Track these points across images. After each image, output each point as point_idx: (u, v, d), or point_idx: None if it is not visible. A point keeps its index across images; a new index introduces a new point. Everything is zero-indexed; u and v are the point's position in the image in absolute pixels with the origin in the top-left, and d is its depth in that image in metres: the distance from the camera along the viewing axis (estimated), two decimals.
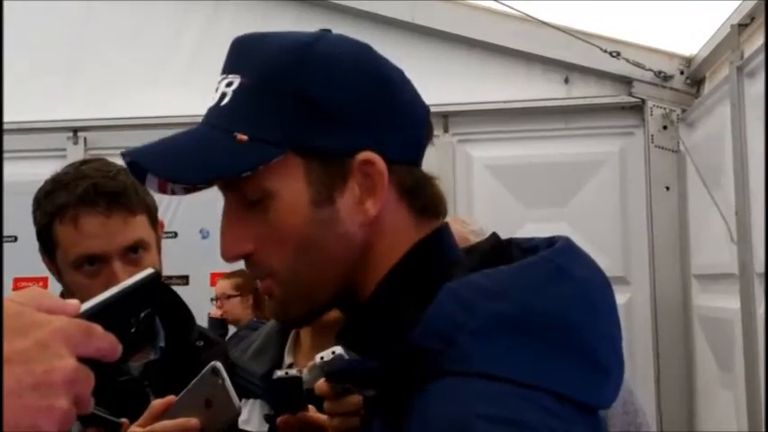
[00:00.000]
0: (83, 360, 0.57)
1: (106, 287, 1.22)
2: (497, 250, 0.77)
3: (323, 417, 1.05)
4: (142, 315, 0.66)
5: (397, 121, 0.75)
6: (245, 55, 0.75)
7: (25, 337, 0.54)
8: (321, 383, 1.03)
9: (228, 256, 0.75)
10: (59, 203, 1.26)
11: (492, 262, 0.72)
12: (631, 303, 3.32)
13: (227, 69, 0.75)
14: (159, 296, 0.69)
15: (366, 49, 0.76)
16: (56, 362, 0.54)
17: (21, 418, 0.52)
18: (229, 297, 3.48)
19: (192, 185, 0.73)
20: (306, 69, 0.72)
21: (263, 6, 3.48)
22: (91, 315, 0.60)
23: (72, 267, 1.25)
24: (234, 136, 0.70)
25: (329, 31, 0.77)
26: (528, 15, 3.28)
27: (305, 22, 3.39)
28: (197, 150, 0.72)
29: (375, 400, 0.72)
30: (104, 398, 1.00)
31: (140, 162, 0.72)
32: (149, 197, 1.32)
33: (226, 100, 0.73)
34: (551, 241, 0.76)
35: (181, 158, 0.71)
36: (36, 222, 1.31)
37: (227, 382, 0.98)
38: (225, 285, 3.49)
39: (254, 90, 0.72)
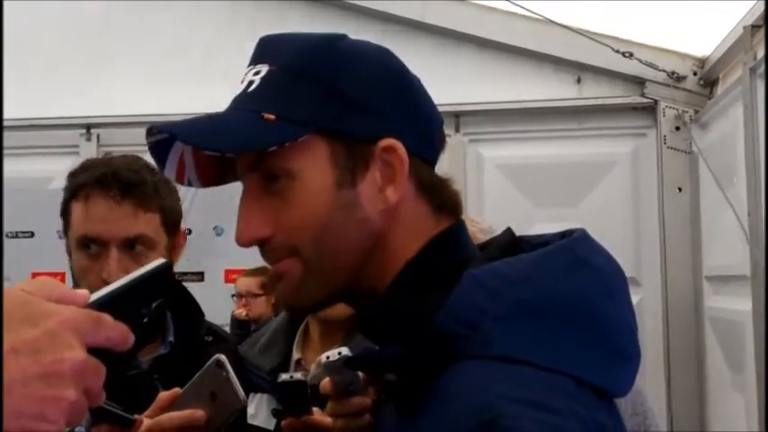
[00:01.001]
0: (94, 351, 0.57)
1: (99, 273, 1.23)
2: (514, 244, 0.79)
3: (328, 420, 1.05)
4: (154, 305, 0.66)
5: (415, 117, 0.77)
6: (274, 47, 0.77)
7: (34, 327, 0.53)
8: (326, 383, 1.04)
9: (245, 241, 0.75)
10: (79, 182, 1.28)
11: (509, 254, 0.73)
12: (643, 304, 3.31)
13: (254, 61, 0.77)
14: (171, 286, 0.69)
15: (387, 52, 0.79)
16: (65, 352, 0.54)
17: (25, 406, 0.52)
18: (256, 296, 3.46)
19: (220, 153, 0.73)
20: (333, 59, 0.74)
21: (278, 6, 3.50)
22: (101, 305, 0.60)
23: (76, 246, 1.27)
24: (261, 116, 0.72)
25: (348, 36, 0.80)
26: (540, 15, 3.27)
27: (318, 22, 3.40)
28: (226, 126, 0.73)
29: (394, 385, 0.73)
30: (114, 391, 1.01)
31: (168, 129, 0.73)
32: (171, 201, 1.33)
33: (253, 87, 0.75)
34: (564, 234, 0.77)
35: (210, 130, 0.72)
36: (63, 198, 1.34)
37: (232, 375, 0.98)
38: (250, 283, 3.45)
39: (283, 74, 0.74)
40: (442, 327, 0.68)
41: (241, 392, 0.99)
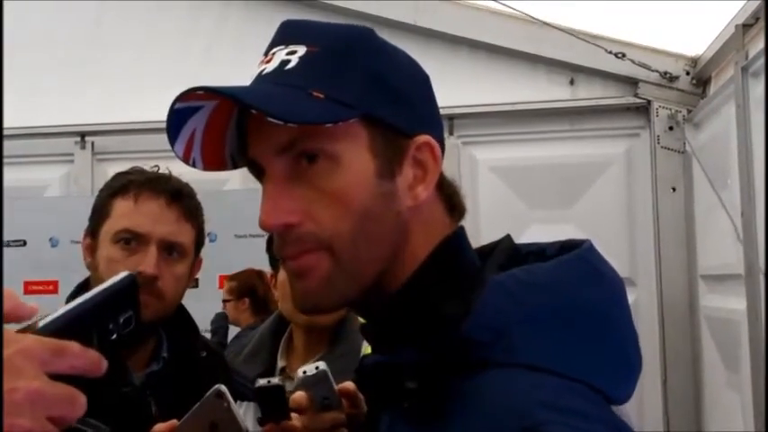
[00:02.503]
0: (69, 378, 0.57)
1: (134, 267, 1.24)
2: (516, 251, 0.79)
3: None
4: (122, 320, 0.64)
5: (437, 116, 0.78)
6: (305, 30, 0.75)
7: None
8: (298, 396, 1.03)
9: (271, 224, 0.70)
10: (128, 180, 1.31)
11: (516, 262, 0.74)
12: (638, 304, 3.31)
13: (285, 41, 0.74)
14: (138, 299, 0.67)
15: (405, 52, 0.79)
16: (18, 381, 0.55)
17: None
18: (224, 302, 3.51)
19: (283, 123, 0.67)
20: (377, 48, 0.74)
21: (270, 9, 3.49)
22: (58, 327, 0.59)
23: (112, 239, 1.28)
24: (310, 92, 0.69)
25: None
26: (532, 17, 3.28)
27: None
28: (280, 98, 0.69)
29: (413, 393, 0.70)
30: (106, 407, 1.00)
31: (226, 93, 0.68)
32: (202, 223, 1.36)
33: (291, 65, 0.71)
34: (564, 245, 0.76)
35: (271, 100, 0.68)
36: (98, 198, 1.36)
37: (233, 405, 0.97)
38: (223, 289, 3.53)
39: (326, 57, 0.71)
40: (470, 333, 0.67)
41: (243, 423, 0.98)
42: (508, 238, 0.81)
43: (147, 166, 1.38)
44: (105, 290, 0.64)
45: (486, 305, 0.68)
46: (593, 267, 0.72)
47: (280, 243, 0.72)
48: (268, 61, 0.73)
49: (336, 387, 1.04)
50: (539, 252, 0.77)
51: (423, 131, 0.73)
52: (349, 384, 1.05)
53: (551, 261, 0.72)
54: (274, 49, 0.74)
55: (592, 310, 0.70)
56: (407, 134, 0.73)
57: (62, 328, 0.59)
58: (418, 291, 0.72)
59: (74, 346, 0.58)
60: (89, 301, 0.62)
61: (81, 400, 0.58)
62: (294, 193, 0.70)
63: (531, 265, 0.71)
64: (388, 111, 0.71)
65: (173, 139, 0.73)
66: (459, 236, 0.76)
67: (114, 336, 0.63)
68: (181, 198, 1.31)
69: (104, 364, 0.60)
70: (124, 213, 1.29)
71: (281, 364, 1.60)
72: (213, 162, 0.77)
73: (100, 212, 1.32)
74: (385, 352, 0.75)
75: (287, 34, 0.75)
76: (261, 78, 0.72)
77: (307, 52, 0.72)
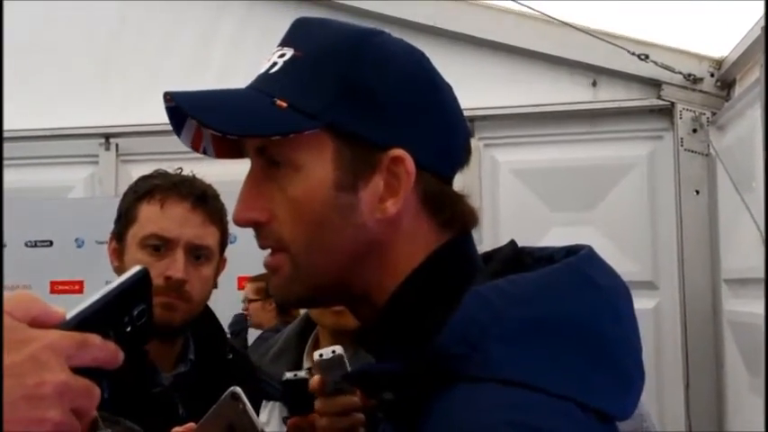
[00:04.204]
0: (85, 372, 0.59)
1: (163, 272, 1.26)
2: (517, 258, 0.77)
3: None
4: (135, 313, 0.66)
5: (436, 129, 0.74)
6: (304, 32, 0.75)
7: (18, 352, 0.56)
8: (315, 380, 1.04)
9: (240, 221, 0.75)
10: (153, 184, 1.34)
11: (513, 269, 0.72)
12: (660, 308, 3.28)
13: (283, 43, 0.75)
14: (150, 292, 0.68)
15: (420, 55, 0.77)
16: (46, 375, 0.56)
17: (12, 428, 0.55)
18: (251, 301, 3.51)
19: (222, 135, 0.71)
20: (359, 56, 0.72)
21: (294, 8, 3.51)
22: (79, 322, 0.61)
23: (139, 244, 1.30)
24: (273, 101, 0.71)
25: (388, 33, 0.78)
26: (554, 18, 3.26)
27: None
28: (236, 106, 0.72)
29: (391, 404, 0.71)
30: (136, 407, 1.02)
31: (179, 102, 0.72)
32: (226, 225, 1.37)
33: (275, 69, 0.73)
34: (570, 250, 0.75)
35: (218, 110, 0.71)
36: (123, 201, 1.37)
37: (248, 406, 0.98)
38: (248, 289, 3.53)
39: (304, 63, 0.72)
40: (442, 346, 0.66)
41: (259, 424, 0.98)
42: (511, 243, 0.79)
43: (171, 168, 1.40)
44: (120, 285, 0.65)
45: (461, 317, 0.66)
46: (584, 277, 0.70)
47: (256, 236, 0.75)
48: (268, 60, 0.75)
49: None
50: (549, 258, 0.75)
51: (402, 144, 0.71)
52: None
53: (539, 271, 0.70)
54: (274, 49, 0.76)
55: (577, 323, 0.67)
56: (381, 147, 0.71)
57: (82, 323, 0.61)
58: (404, 303, 0.72)
59: (95, 338, 0.60)
60: (105, 297, 0.63)
61: (98, 392, 0.60)
62: (264, 193, 0.73)
63: (517, 275, 0.69)
64: (359, 122, 0.71)
65: (177, 131, 0.76)
66: (453, 246, 0.74)
67: (129, 329, 0.65)
68: (206, 201, 1.32)
69: (122, 355, 0.62)
70: (151, 218, 1.30)
71: (307, 364, 1.61)
72: (224, 151, 0.79)
73: (126, 217, 1.34)
74: (376, 359, 0.76)
75: (288, 35, 0.76)
76: (254, 79, 0.75)
77: (291, 57, 0.73)
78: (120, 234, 1.35)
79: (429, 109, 0.74)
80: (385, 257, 0.73)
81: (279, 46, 0.75)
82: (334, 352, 1.03)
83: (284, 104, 0.70)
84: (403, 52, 0.75)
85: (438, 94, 0.76)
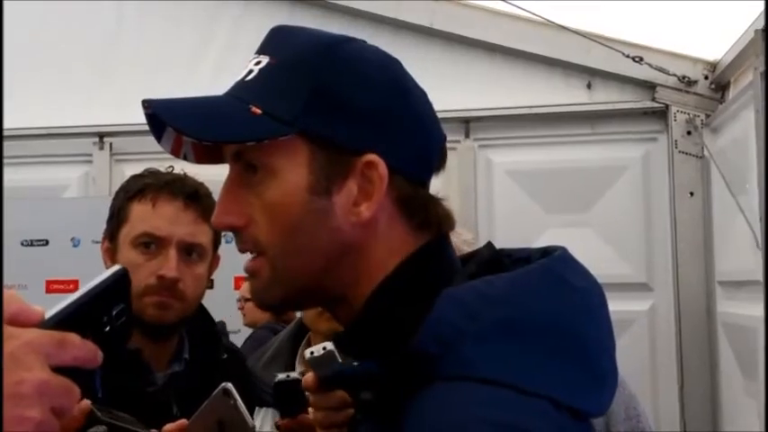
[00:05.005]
0: (66, 372, 0.58)
1: (155, 271, 1.26)
2: (494, 259, 0.78)
3: None
4: (114, 312, 0.66)
5: (408, 134, 0.75)
6: (279, 40, 0.77)
7: None
8: (308, 377, 1.05)
9: (218, 225, 0.77)
10: (145, 183, 1.33)
11: (489, 271, 0.73)
12: (654, 310, 3.29)
13: (260, 51, 0.77)
14: (129, 292, 0.69)
15: (393, 62, 0.78)
16: (25, 374, 0.56)
17: None
18: (247, 300, 3.51)
19: (198, 142, 0.74)
20: (331, 62, 0.74)
21: (289, 9, 3.51)
22: (58, 321, 0.61)
23: (132, 244, 1.30)
24: (248, 107, 0.72)
25: (362, 40, 0.80)
26: (549, 20, 3.27)
27: (326, 27, 3.40)
28: (211, 113, 0.74)
29: (370, 404, 0.72)
30: (130, 407, 1.02)
31: (156, 110, 0.74)
32: None
33: (250, 76, 0.75)
34: (546, 251, 0.76)
35: (194, 117, 0.73)
36: (114, 200, 1.37)
37: (239, 402, 0.98)
38: (244, 288, 3.53)
39: (278, 70, 0.74)
40: (418, 346, 0.67)
41: (250, 420, 0.98)
42: (489, 245, 0.80)
43: (162, 167, 1.39)
44: (98, 285, 0.65)
45: (436, 317, 0.67)
46: (558, 277, 0.71)
47: (235, 240, 0.77)
48: (244, 68, 0.77)
49: None
50: (526, 259, 0.76)
51: (375, 148, 0.72)
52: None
53: (514, 272, 0.71)
54: (251, 57, 0.77)
55: (551, 323, 0.68)
56: (354, 152, 0.72)
57: (62, 322, 0.61)
58: (380, 305, 0.73)
59: (74, 337, 0.60)
60: (84, 296, 0.64)
61: (77, 391, 0.60)
62: (241, 198, 0.75)
63: (492, 276, 0.71)
64: (331, 128, 0.72)
65: (158, 137, 0.78)
66: (428, 249, 0.75)
67: (108, 328, 0.65)
68: (198, 199, 1.32)
69: (101, 355, 0.62)
70: (143, 217, 1.30)
71: (299, 369, 1.61)
72: (203, 157, 0.81)
73: (118, 216, 1.34)
74: (354, 360, 0.76)
75: (264, 42, 0.78)
76: (232, 86, 0.77)
77: (267, 64, 0.75)
78: (112, 234, 1.34)
79: (400, 114, 0.75)
80: (361, 260, 0.74)
81: (255, 53, 0.77)
82: (324, 348, 1.03)
83: (259, 111, 0.72)
84: (374, 58, 0.77)
85: (410, 99, 0.76)
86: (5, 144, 3.40)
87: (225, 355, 1.41)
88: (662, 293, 3.30)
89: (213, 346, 1.40)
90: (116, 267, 0.68)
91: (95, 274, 0.65)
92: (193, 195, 1.32)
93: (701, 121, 3.26)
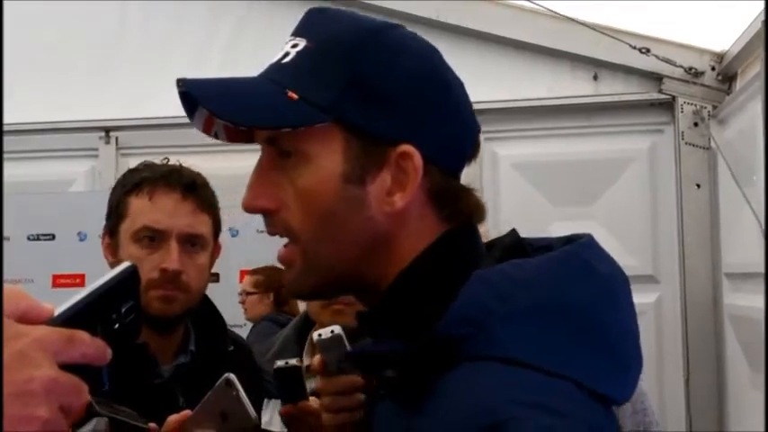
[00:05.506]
0: (73, 368, 0.58)
1: (158, 264, 1.26)
2: (518, 245, 0.78)
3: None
4: (123, 309, 0.66)
5: (444, 125, 0.75)
6: (317, 22, 0.76)
7: (6, 348, 0.55)
8: (316, 360, 1.05)
9: (249, 207, 0.75)
10: (141, 177, 1.33)
11: (513, 256, 0.73)
12: (661, 302, 3.29)
13: (296, 33, 0.76)
14: (139, 289, 0.69)
15: (432, 51, 0.77)
16: (34, 371, 0.56)
17: (5, 426, 0.54)
18: (249, 294, 3.51)
19: (233, 125, 0.73)
20: (370, 50, 0.73)
21: (294, 7, 3.50)
22: (67, 319, 0.60)
23: (132, 239, 1.30)
24: (285, 92, 0.71)
25: (403, 27, 0.78)
26: (556, 12, 3.26)
27: None
28: (248, 96, 0.72)
29: (392, 382, 0.73)
30: (136, 399, 1.02)
31: (191, 90, 0.72)
32: (218, 210, 1.38)
33: (287, 59, 0.74)
34: (570, 238, 0.76)
35: (230, 99, 0.72)
36: (112, 195, 1.37)
37: (242, 394, 0.98)
38: (246, 282, 3.53)
39: (316, 55, 0.73)
40: (448, 327, 0.68)
41: (252, 411, 0.98)
42: (512, 233, 0.81)
43: (157, 159, 1.39)
44: (107, 281, 0.65)
45: (466, 298, 0.68)
46: (585, 264, 0.71)
47: (265, 222, 0.76)
48: (281, 49, 0.75)
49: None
50: (548, 247, 0.76)
51: (410, 139, 0.72)
52: None
53: (543, 256, 0.72)
54: (288, 38, 0.76)
55: (578, 308, 0.69)
56: (390, 142, 0.72)
57: (70, 320, 0.60)
58: (406, 286, 0.73)
59: (83, 334, 0.60)
60: (94, 293, 0.63)
61: (85, 389, 0.59)
62: (274, 181, 0.74)
63: (520, 260, 0.71)
64: (367, 117, 0.71)
65: (190, 115, 0.76)
66: (455, 234, 0.75)
67: (117, 325, 0.65)
68: (195, 189, 1.32)
69: (110, 352, 0.62)
70: (141, 211, 1.30)
71: (305, 362, 1.62)
72: (235, 135, 0.79)
73: (116, 212, 1.34)
74: (375, 340, 0.77)
75: (301, 24, 0.77)
76: (267, 67, 0.76)
77: (304, 47, 0.74)
78: (112, 229, 1.35)
79: (438, 105, 0.74)
80: (392, 249, 0.74)
81: (292, 35, 0.76)
82: (332, 332, 1.03)
83: (295, 96, 0.71)
84: (415, 47, 0.76)
85: (448, 89, 0.76)
86: (11, 139, 3.41)
87: (231, 347, 1.41)
88: (668, 286, 3.29)
89: (219, 338, 1.40)
90: (125, 264, 0.68)
91: (102, 268, 0.65)
92: (191, 186, 1.32)
93: (708, 112, 3.24)
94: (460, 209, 0.76)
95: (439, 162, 0.75)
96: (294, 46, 0.74)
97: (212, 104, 0.71)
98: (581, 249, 0.73)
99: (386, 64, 0.72)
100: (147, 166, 1.37)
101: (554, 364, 0.65)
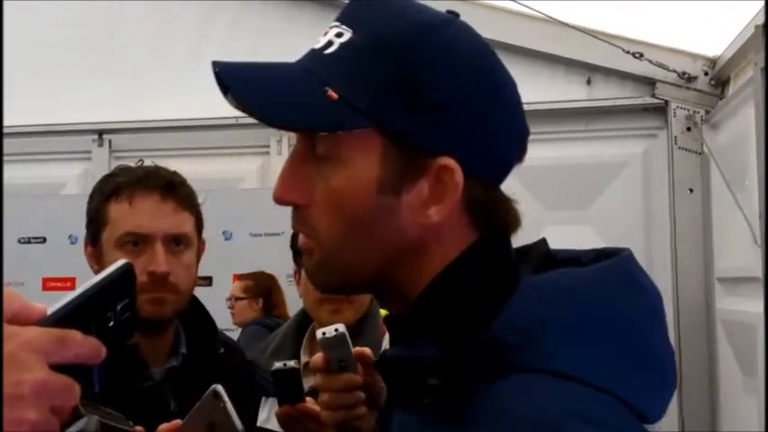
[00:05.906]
0: (65, 368, 0.57)
1: (145, 268, 1.26)
2: (550, 256, 0.76)
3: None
4: (119, 307, 0.65)
5: (491, 134, 0.71)
6: (366, 12, 0.71)
7: None
8: (317, 357, 1.05)
9: (279, 199, 0.71)
10: (118, 182, 1.31)
11: (547, 267, 0.71)
12: None
13: (342, 20, 0.71)
14: (134, 287, 0.67)
15: (486, 50, 0.73)
16: (24, 374, 0.55)
17: None
18: (238, 299, 3.50)
19: (266, 124, 0.68)
20: (419, 52, 0.67)
21: (287, 7, 3.50)
22: (60, 318, 0.59)
23: (116, 245, 1.29)
24: (325, 90, 0.67)
25: (458, 15, 0.74)
26: (550, 16, 3.27)
27: (325, 27, 3.40)
28: (286, 92, 0.68)
29: (434, 390, 0.68)
30: (126, 402, 1.01)
31: (224, 77, 0.69)
32: (199, 207, 1.37)
33: (331, 49, 0.69)
34: (602, 252, 0.74)
35: (264, 92, 0.68)
36: (90, 204, 1.36)
37: (229, 406, 0.98)
38: (236, 287, 3.51)
39: (362, 52, 0.68)
40: (497, 334, 0.65)
41: (238, 423, 0.98)
42: (543, 241, 0.78)
43: (165, 165, 1.39)
44: (102, 279, 0.64)
45: (518, 307, 0.66)
46: (632, 277, 0.70)
47: (292, 215, 0.73)
48: (325, 34, 0.71)
49: (354, 351, 1.04)
50: (576, 259, 0.74)
51: (452, 150, 0.67)
52: (366, 349, 1.06)
53: (591, 267, 0.69)
54: (332, 24, 0.71)
55: (628, 321, 0.67)
56: (431, 153, 0.67)
57: (63, 319, 0.60)
58: (440, 293, 0.70)
59: (76, 334, 0.59)
60: (87, 292, 0.62)
61: (77, 389, 0.58)
62: (306, 176, 0.70)
63: (569, 269, 0.69)
64: (410, 124, 0.67)
65: (224, 90, 0.71)
66: (488, 240, 0.72)
67: (111, 324, 0.64)
68: (174, 188, 1.31)
69: (104, 351, 0.61)
70: (122, 217, 1.29)
71: (304, 359, 1.62)
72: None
73: (97, 220, 1.33)
74: (407, 346, 0.73)
75: (347, 12, 0.71)
76: (307, 54, 0.71)
77: (349, 40, 0.68)
78: (94, 238, 1.34)
79: (486, 115, 0.70)
80: (422, 257, 0.71)
81: (336, 21, 0.71)
82: (336, 330, 1.03)
83: (335, 96, 0.67)
84: (468, 49, 0.71)
85: (496, 94, 0.72)
86: (4, 141, 3.40)
87: (222, 350, 1.41)
88: (661, 290, 3.22)
89: (210, 340, 1.40)
90: (121, 262, 0.66)
91: (93, 272, 0.64)
92: (169, 186, 1.30)
93: (701, 117, 3.25)
94: (495, 219, 0.73)
95: (481, 174, 0.71)
96: (339, 35, 0.69)
97: (248, 98, 0.67)
98: (626, 262, 0.71)
99: (435, 68, 0.67)
100: (122, 171, 1.35)
101: (603, 379, 0.64)
